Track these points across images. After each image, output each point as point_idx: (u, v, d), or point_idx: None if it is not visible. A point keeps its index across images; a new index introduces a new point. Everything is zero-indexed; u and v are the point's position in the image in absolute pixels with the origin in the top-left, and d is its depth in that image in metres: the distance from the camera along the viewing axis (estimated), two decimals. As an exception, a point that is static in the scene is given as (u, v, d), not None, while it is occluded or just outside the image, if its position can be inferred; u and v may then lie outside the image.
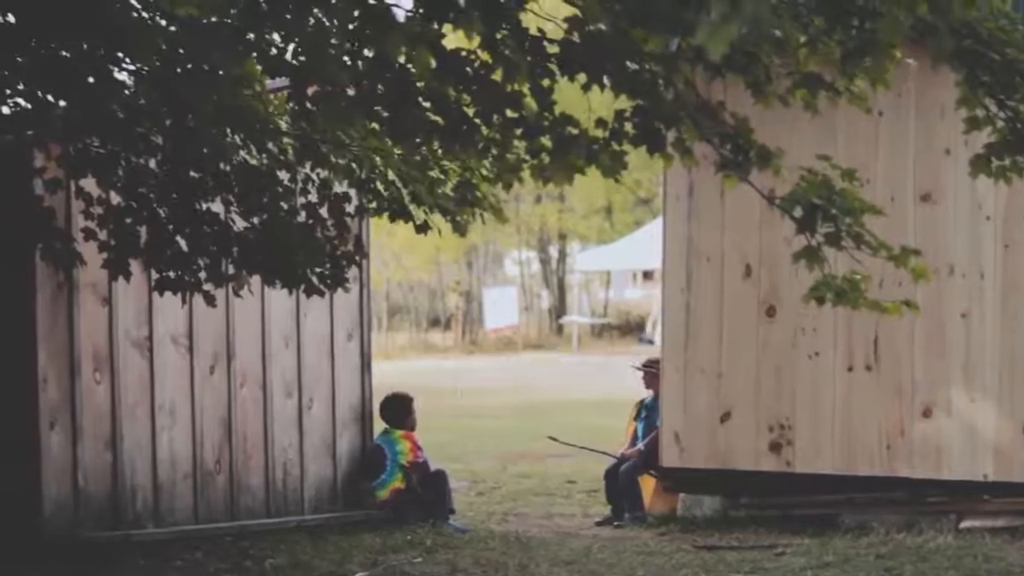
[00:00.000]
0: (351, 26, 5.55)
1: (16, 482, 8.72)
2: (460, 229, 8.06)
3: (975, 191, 9.67)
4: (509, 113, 6.00)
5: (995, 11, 5.67)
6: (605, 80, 5.82)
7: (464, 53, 5.86)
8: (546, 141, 6.04)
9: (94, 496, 9.08)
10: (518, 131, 6.11)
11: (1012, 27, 5.68)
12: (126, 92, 7.17)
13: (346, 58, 5.95)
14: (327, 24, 5.84)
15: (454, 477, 11.99)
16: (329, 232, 8.18)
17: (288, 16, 5.90)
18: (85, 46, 6.85)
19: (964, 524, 9.78)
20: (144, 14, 6.67)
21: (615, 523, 11.00)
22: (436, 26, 5.43)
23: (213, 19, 6.24)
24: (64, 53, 6.90)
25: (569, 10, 5.80)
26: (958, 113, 6.44)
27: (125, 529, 9.21)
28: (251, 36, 6.18)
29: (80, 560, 8.67)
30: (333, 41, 5.84)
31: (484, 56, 5.80)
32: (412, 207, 8.05)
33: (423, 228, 8.12)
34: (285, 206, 7.99)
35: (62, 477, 8.90)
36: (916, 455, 10.00)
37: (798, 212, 5.75)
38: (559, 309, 42.06)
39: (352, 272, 8.47)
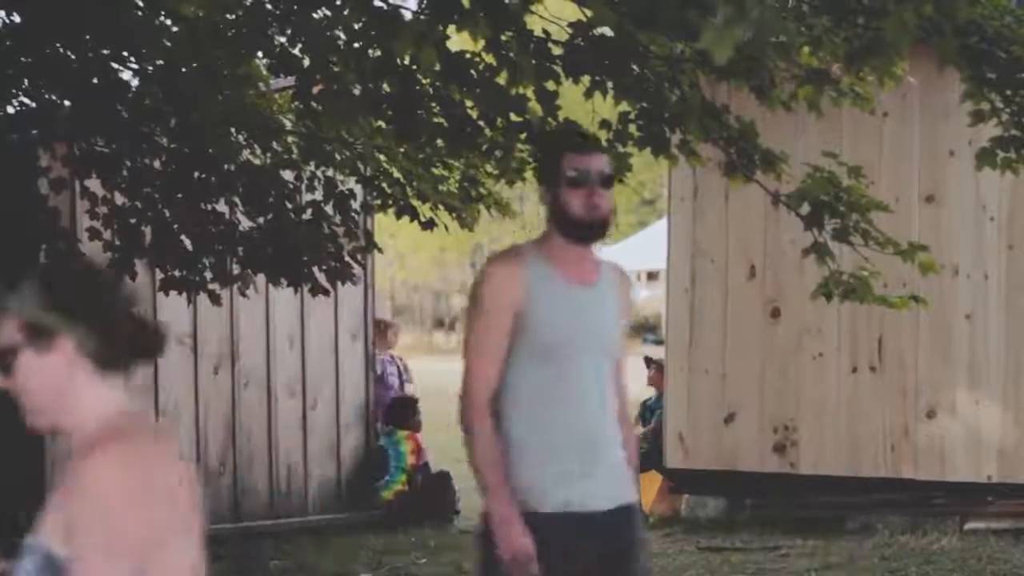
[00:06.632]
0: (357, 25, 5.54)
1: (21, 483, 8.71)
2: (466, 224, 8.06)
3: (979, 192, 9.67)
4: (513, 117, 5.99)
5: (1000, 9, 5.67)
6: (609, 85, 5.81)
7: (469, 55, 5.85)
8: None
9: (98, 496, 9.06)
10: (522, 135, 6.10)
11: (1017, 24, 5.69)
12: (131, 92, 7.17)
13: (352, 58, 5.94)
14: (333, 23, 5.83)
15: (458, 478, 11.96)
16: (336, 227, 8.14)
17: (293, 16, 5.90)
18: (90, 46, 6.85)
19: (968, 526, 9.77)
20: (149, 13, 6.67)
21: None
22: (441, 27, 5.42)
23: (218, 18, 6.24)
24: (69, 53, 6.90)
25: (575, 11, 5.78)
26: (962, 114, 6.43)
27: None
28: (256, 35, 6.18)
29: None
30: (339, 40, 5.84)
31: (489, 59, 5.79)
32: (416, 203, 8.05)
33: (429, 225, 8.11)
34: (290, 205, 7.99)
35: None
36: (920, 457, 9.99)
37: (805, 209, 5.74)
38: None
39: (357, 270, 8.45)
